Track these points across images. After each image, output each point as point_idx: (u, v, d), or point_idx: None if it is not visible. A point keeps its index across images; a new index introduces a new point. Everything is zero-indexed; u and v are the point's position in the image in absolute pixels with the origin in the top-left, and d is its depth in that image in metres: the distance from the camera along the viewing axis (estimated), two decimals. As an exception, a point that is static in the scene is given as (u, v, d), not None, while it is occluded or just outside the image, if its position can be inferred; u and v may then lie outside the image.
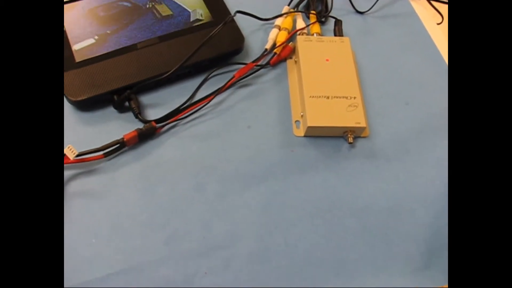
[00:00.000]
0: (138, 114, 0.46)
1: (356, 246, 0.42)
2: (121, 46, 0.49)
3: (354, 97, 0.48)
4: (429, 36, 0.58)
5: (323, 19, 0.57)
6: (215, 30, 0.48)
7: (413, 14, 0.60)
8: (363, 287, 0.40)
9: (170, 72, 0.47)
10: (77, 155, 0.42)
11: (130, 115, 0.47)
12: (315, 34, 0.54)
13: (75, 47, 0.48)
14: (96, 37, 0.49)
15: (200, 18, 0.52)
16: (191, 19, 0.52)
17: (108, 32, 0.50)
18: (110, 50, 0.48)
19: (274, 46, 0.52)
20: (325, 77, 0.49)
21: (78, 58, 0.47)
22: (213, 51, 0.49)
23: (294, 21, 0.56)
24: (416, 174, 0.47)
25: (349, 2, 0.60)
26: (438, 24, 0.59)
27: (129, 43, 0.49)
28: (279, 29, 0.54)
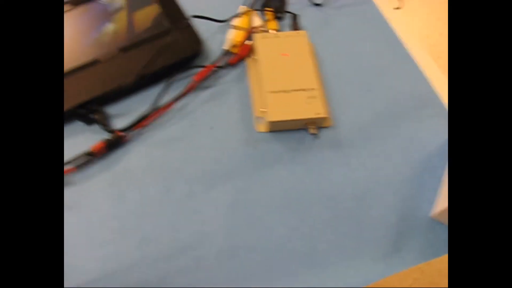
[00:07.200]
0: (104, 125, 0.47)
1: (326, 235, 0.43)
2: (82, 62, 0.49)
3: (313, 89, 0.49)
4: (386, 22, 0.59)
5: (279, 15, 0.58)
6: (165, 41, 0.49)
7: (369, 1, 0.61)
8: (335, 276, 0.42)
9: (130, 83, 0.48)
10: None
11: (98, 126, 0.48)
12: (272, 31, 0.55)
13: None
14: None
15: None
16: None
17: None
18: (72, 66, 0.49)
19: (232, 46, 0.53)
20: (284, 72, 0.50)
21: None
22: (171, 58, 0.50)
23: (251, 20, 0.57)
24: (382, 159, 0.48)
25: (305, -5, 0.60)
26: (395, 9, 0.60)
27: (89, 57, 0.50)
28: (237, 29, 0.55)
